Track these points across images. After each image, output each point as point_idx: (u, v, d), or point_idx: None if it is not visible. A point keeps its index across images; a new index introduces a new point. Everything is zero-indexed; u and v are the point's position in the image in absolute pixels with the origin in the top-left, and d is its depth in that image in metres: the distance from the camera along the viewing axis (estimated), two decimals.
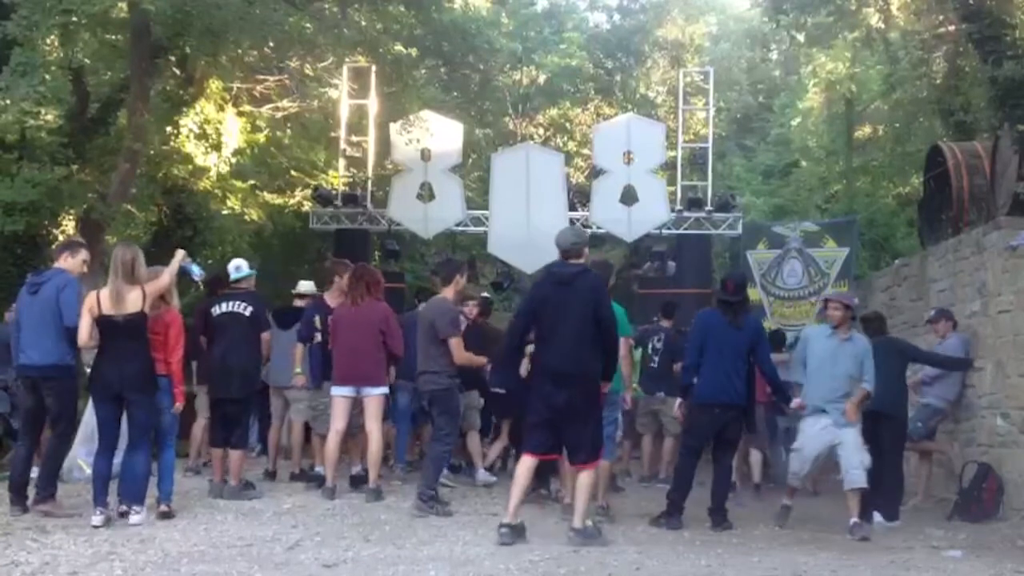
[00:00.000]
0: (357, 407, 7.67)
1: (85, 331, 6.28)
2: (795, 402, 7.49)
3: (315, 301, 8.70)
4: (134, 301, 6.21)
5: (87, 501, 6.60)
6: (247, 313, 7.59)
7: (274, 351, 8.68)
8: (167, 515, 6.47)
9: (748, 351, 7.18)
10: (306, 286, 9.47)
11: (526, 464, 6.09)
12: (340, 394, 7.61)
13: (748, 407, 7.30)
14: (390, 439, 9.31)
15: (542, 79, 26.87)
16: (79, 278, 6.87)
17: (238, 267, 7.92)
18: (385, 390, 7.76)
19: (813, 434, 7.19)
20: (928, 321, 9.17)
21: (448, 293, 7.44)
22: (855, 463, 6.98)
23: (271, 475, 8.85)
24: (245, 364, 7.52)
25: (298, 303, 9.21)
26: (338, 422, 7.61)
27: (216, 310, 7.68)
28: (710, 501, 7.15)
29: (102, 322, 6.23)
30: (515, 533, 5.93)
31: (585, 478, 5.98)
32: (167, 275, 6.59)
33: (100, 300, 6.25)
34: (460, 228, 16.15)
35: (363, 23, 13.58)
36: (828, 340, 7.31)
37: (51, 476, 6.70)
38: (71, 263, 6.82)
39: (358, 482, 7.98)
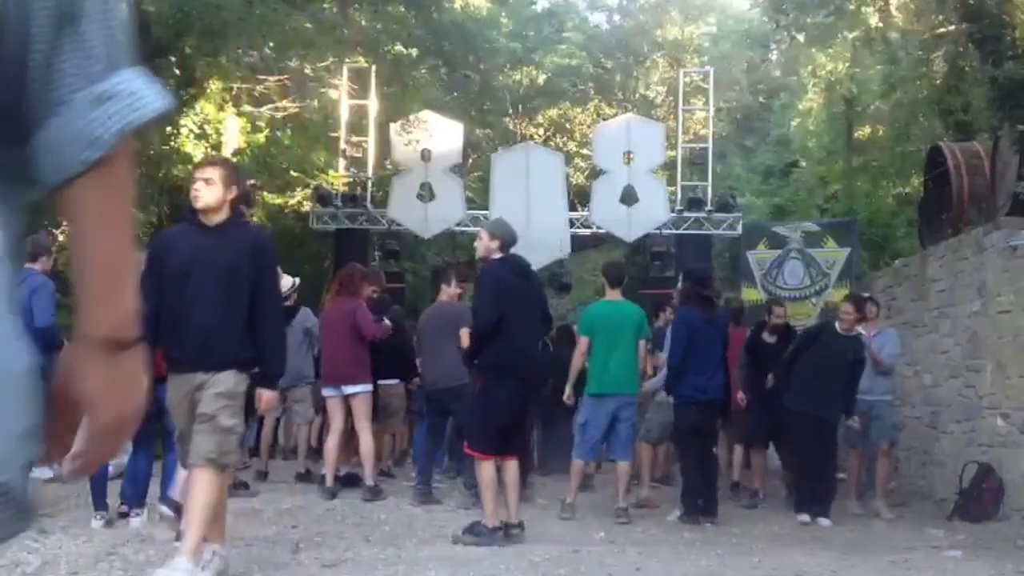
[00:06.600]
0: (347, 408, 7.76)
1: None
2: None
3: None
4: None
5: (87, 502, 6.60)
6: None
7: None
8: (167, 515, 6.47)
9: (723, 345, 7.37)
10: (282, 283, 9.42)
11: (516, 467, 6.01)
12: (330, 394, 7.73)
13: (727, 401, 7.51)
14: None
15: (542, 79, 26.87)
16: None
17: None
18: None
19: None
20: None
21: (446, 296, 7.78)
22: None
23: (263, 476, 8.84)
24: None
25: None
26: (336, 422, 7.67)
27: None
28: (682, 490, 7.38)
29: None
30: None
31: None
32: None
33: None
34: (460, 228, 16.13)
35: (363, 23, 13.58)
36: None
37: None
38: (38, 264, 6.82)
39: (349, 482, 7.99)
